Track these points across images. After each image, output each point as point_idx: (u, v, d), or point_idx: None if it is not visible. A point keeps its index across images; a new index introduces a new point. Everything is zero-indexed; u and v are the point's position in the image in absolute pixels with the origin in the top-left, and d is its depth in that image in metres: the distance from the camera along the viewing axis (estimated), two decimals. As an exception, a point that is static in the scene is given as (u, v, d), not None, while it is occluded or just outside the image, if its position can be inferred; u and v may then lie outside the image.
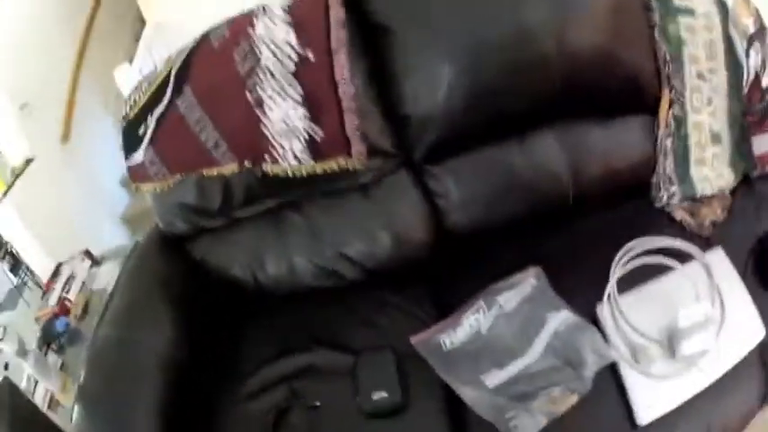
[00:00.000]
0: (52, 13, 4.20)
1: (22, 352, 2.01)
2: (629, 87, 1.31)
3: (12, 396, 1.86)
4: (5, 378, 1.95)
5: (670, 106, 1.33)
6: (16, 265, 6.20)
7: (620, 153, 1.36)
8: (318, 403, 1.18)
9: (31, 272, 5.25)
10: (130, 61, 2.82)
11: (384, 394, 1.12)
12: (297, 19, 1.30)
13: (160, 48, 3.14)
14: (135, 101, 1.47)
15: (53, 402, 2.13)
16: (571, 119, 1.34)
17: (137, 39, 3.32)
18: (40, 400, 2.15)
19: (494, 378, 1.09)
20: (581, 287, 1.19)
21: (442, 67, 1.25)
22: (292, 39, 1.29)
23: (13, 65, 3.80)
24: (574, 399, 1.03)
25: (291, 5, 1.32)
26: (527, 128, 1.34)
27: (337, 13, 1.30)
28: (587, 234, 1.34)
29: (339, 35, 1.29)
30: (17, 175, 3.68)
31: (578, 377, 1.03)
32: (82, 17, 4.35)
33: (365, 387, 1.15)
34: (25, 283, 6.38)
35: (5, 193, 3.77)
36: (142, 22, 3.58)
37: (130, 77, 2.66)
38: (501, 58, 1.23)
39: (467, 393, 1.08)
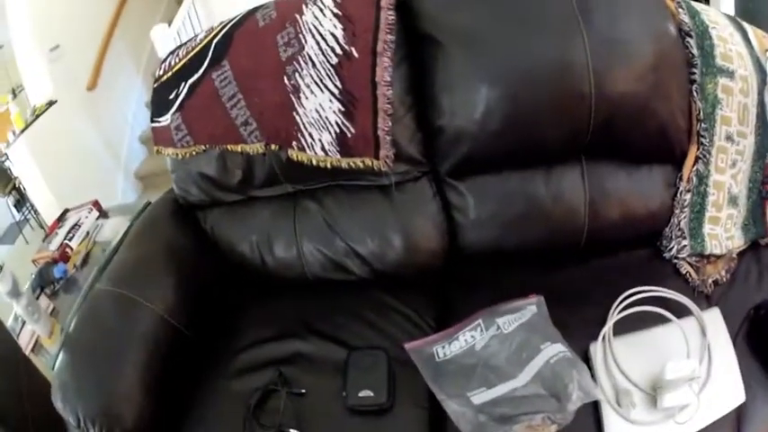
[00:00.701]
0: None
1: (15, 293, 2.00)
2: (659, 138, 1.31)
3: None
4: None
5: (695, 162, 1.34)
6: (21, 201, 6.22)
7: (640, 200, 1.36)
8: (304, 391, 1.19)
9: (36, 211, 5.25)
10: (169, 23, 2.83)
11: (370, 393, 1.14)
12: (346, 13, 1.31)
13: (201, 14, 3.17)
14: (170, 64, 1.48)
15: (36, 346, 2.13)
16: (599, 159, 1.35)
17: (179, 1, 3.34)
18: (24, 342, 2.14)
19: (480, 397, 1.10)
20: (578, 322, 1.20)
21: (483, 88, 1.26)
22: (339, 32, 1.30)
23: (48, 7, 3.81)
24: (553, 429, 1.04)
25: (342, -1, 1.32)
26: (555, 161, 1.35)
27: (388, 15, 1.31)
28: (593, 273, 1.35)
29: (386, 38, 1.30)
30: (37, 115, 3.70)
31: (561, 409, 1.04)
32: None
33: (353, 383, 1.16)
34: (27, 221, 6.40)
35: (23, 131, 3.79)
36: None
37: (166, 38, 2.69)
38: (539, 89, 1.24)
39: (451, 407, 1.09)
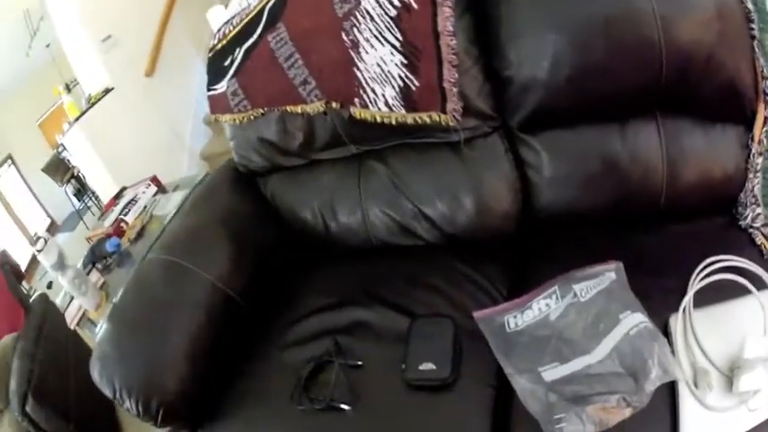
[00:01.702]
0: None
1: (60, 266, 2.02)
2: (729, 94, 1.19)
3: (45, 309, 1.94)
4: (43, 293, 2.02)
5: (765, 123, 1.21)
6: (82, 189, 6.43)
7: (717, 161, 1.25)
8: (360, 363, 1.12)
9: (97, 198, 5.43)
10: (226, 6, 2.82)
11: (432, 366, 1.05)
12: (400, -36, 1.24)
13: None
14: (224, 33, 1.47)
15: (83, 320, 2.18)
16: (674, 115, 1.25)
17: None
18: (70, 316, 2.21)
19: (553, 373, 1.01)
20: (657, 292, 1.09)
21: (550, 37, 1.18)
22: (395, -17, 1.23)
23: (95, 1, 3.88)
24: (627, 413, 0.92)
25: (395, -49, 1.25)
26: (629, 115, 1.26)
27: (444, -37, 1.22)
28: (671, 240, 1.24)
29: (446, -14, 1.22)
30: (92, 102, 3.77)
31: (638, 390, 0.93)
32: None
33: (414, 354, 1.07)
34: (89, 208, 6.62)
35: (77, 119, 3.88)
36: (241, -32, 3.60)
37: (224, 19, 2.67)
38: (607, 36, 1.15)
39: (520, 383, 1.00)
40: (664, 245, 1.23)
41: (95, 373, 1.16)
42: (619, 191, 1.28)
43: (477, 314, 1.15)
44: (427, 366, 1.05)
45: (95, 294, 2.11)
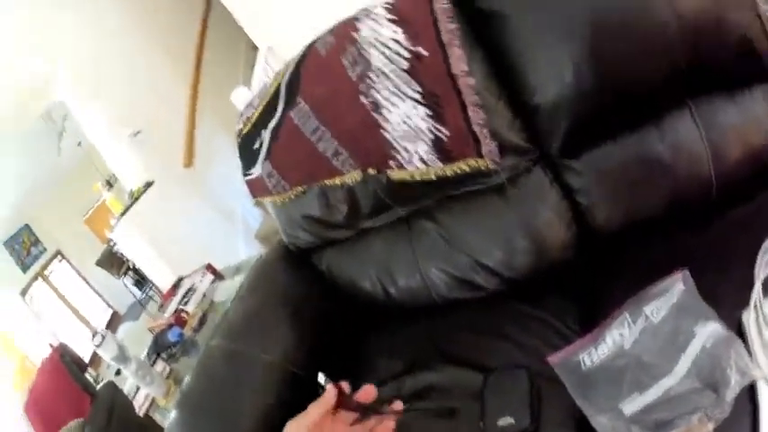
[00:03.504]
0: (160, 46, 4.39)
1: (122, 359, 2.07)
2: (745, 51, 1.15)
3: (113, 395, 1.98)
4: (110, 381, 2.06)
5: None
6: (142, 280, 6.61)
7: (755, 127, 1.19)
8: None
9: (157, 288, 5.55)
10: (249, 87, 2.89)
11: (511, 420, 1.01)
12: (401, 15, 1.23)
13: (276, 69, 3.22)
14: (248, 117, 1.48)
15: (152, 407, 2.23)
16: (703, 95, 1.20)
17: (253, 66, 3.42)
18: (138, 403, 2.26)
19: (633, 405, 0.95)
20: (726, 290, 1.03)
21: (564, 46, 1.15)
22: (400, 36, 1.22)
23: (124, 97, 4.02)
24: (710, 427, 0.87)
25: (393, 4, 1.25)
26: (662, 110, 1.21)
27: (442, 5, 1.21)
28: (730, 228, 1.18)
29: (448, 26, 1.20)
30: (135, 197, 3.89)
31: (719, 402, 0.88)
32: (191, 49, 4.54)
33: (492, 410, 1.04)
34: (151, 298, 6.79)
35: (123, 214, 4.01)
36: (254, 49, 3.69)
37: (248, 100, 2.72)
38: (622, 29, 1.12)
39: (601, 423, 0.95)
40: (726, 232, 1.17)
41: (170, 459, 1.16)
42: (669, 190, 1.23)
43: (551, 359, 1.09)
44: (506, 421, 1.01)
45: (162, 383, 2.16)
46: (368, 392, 0.88)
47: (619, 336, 1.06)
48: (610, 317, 1.10)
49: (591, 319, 1.15)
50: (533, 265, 1.29)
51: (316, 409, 0.84)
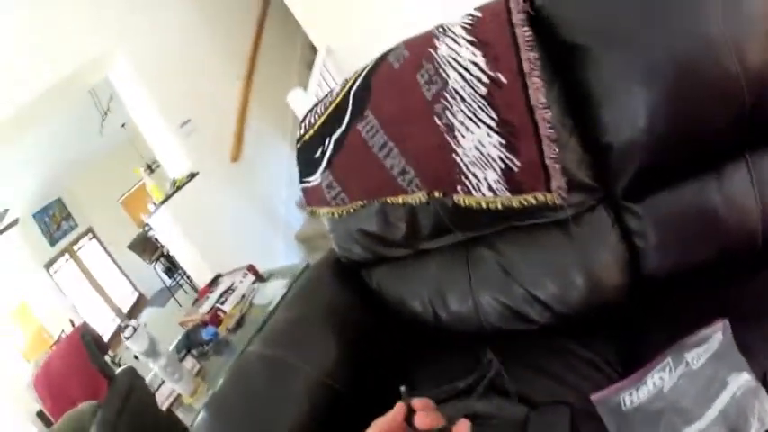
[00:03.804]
0: (217, 39, 4.45)
1: (152, 353, 2.02)
2: None
3: (131, 382, 1.93)
4: (130, 366, 2.02)
5: None
6: (173, 268, 6.67)
7: None
8: None
9: (189, 277, 5.56)
10: (305, 88, 2.91)
11: None
12: (481, 38, 1.21)
13: (333, 72, 3.25)
14: (310, 123, 1.47)
15: (176, 403, 2.18)
16: (761, 151, 1.19)
17: (308, 66, 3.45)
18: (162, 398, 2.22)
19: None
20: (759, 341, 1.05)
21: (643, 90, 1.14)
22: (480, 59, 1.21)
23: (176, 85, 4.08)
24: None
25: (472, 24, 1.23)
26: (722, 160, 1.20)
27: (524, 32, 1.19)
28: None
29: (530, 56, 1.18)
30: (178, 187, 3.93)
31: None
32: (247, 44, 4.59)
33: None
34: (181, 286, 6.83)
35: (163, 202, 4.04)
36: (312, 50, 3.72)
37: (305, 102, 2.74)
38: (696, 77, 1.11)
39: None
40: (764, 291, 1.16)
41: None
42: (720, 241, 1.21)
43: (594, 397, 1.11)
44: None
45: (190, 381, 2.11)
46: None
47: (659, 379, 1.09)
48: (653, 360, 1.12)
49: (633, 362, 1.16)
50: (586, 304, 1.28)
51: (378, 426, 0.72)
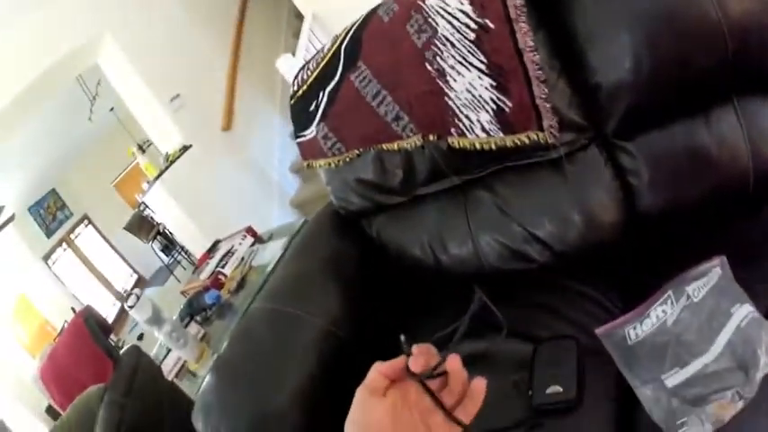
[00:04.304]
0: (202, 10, 4.40)
1: (156, 320, 2.00)
2: None
3: (137, 361, 1.93)
4: (135, 345, 2.01)
5: None
6: (170, 245, 6.66)
7: None
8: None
9: (186, 252, 5.55)
10: (293, 54, 2.90)
11: (559, 389, 1.03)
12: (467, -13, 1.23)
13: (321, 37, 3.24)
14: (303, 79, 1.48)
15: (182, 371, 2.17)
16: (747, 95, 1.22)
17: (295, 35, 3.43)
18: (168, 368, 2.20)
19: (674, 378, 0.98)
20: (759, 279, 1.07)
21: (627, 35, 1.17)
22: (467, 8, 1.23)
23: (163, 61, 4.05)
24: (740, 406, 0.91)
25: (457, -24, 1.25)
26: (710, 103, 1.23)
27: (509, -21, 1.21)
28: (764, 224, 1.20)
29: (515, 3, 1.21)
30: (171, 161, 3.92)
31: (748, 381, 0.92)
32: (233, 14, 4.55)
33: (541, 379, 1.06)
34: (179, 263, 6.84)
35: (157, 177, 4.05)
36: (298, 18, 3.70)
37: (294, 67, 2.73)
38: (678, 24, 1.14)
39: (645, 394, 0.98)
40: (757, 231, 1.19)
41: (199, 425, 1.16)
42: (712, 181, 1.25)
43: (599, 331, 1.11)
44: (554, 389, 1.03)
45: (195, 346, 2.10)
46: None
47: (662, 312, 1.09)
48: (654, 294, 1.12)
49: (633, 298, 1.17)
50: (583, 242, 1.30)
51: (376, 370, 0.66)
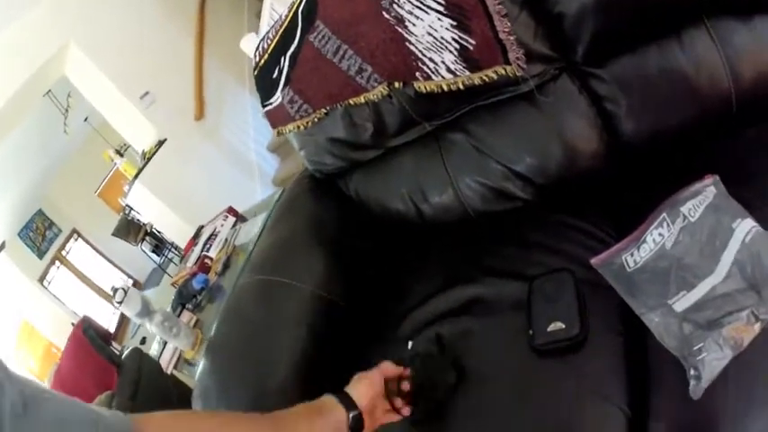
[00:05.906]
0: (162, 10, 4.33)
1: (146, 312, 1.96)
2: None
3: (139, 363, 1.89)
4: (135, 348, 1.97)
5: None
6: (159, 244, 6.61)
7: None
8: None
9: (176, 248, 5.49)
10: (257, 32, 2.85)
11: (561, 326, 0.98)
12: (416, -74, 1.19)
13: (283, 13, 3.17)
14: (264, 49, 1.46)
15: (180, 362, 2.14)
16: (718, 16, 1.19)
17: (257, 14, 3.36)
18: (165, 361, 2.17)
19: (683, 302, 0.95)
20: (757, 198, 1.03)
21: None
22: (420, -52, 1.19)
23: (127, 61, 3.99)
24: (757, 328, 0.87)
25: None
26: (681, 25, 1.20)
27: None
28: (753, 142, 1.18)
29: (468, -64, 1.17)
30: (149, 158, 3.88)
31: (762, 301, 0.88)
32: (193, 2, 4.48)
33: (540, 317, 1.02)
34: (171, 260, 6.79)
35: (136, 176, 4.00)
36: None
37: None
38: None
39: (653, 320, 0.94)
40: (748, 149, 1.18)
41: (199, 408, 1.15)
42: (693, 104, 1.22)
43: (594, 260, 1.08)
44: (556, 326, 0.99)
45: (189, 334, 2.06)
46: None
47: (659, 236, 1.05)
48: (648, 218, 1.08)
49: (627, 225, 1.13)
50: (565, 172, 1.28)
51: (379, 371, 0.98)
